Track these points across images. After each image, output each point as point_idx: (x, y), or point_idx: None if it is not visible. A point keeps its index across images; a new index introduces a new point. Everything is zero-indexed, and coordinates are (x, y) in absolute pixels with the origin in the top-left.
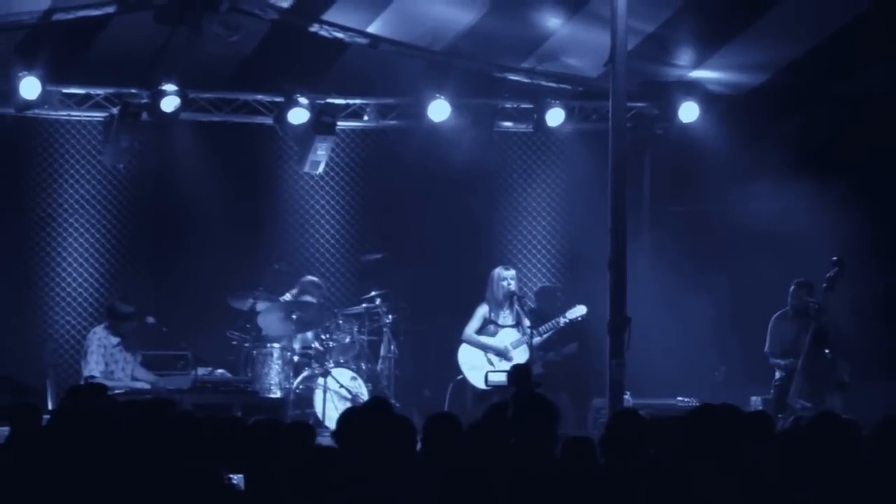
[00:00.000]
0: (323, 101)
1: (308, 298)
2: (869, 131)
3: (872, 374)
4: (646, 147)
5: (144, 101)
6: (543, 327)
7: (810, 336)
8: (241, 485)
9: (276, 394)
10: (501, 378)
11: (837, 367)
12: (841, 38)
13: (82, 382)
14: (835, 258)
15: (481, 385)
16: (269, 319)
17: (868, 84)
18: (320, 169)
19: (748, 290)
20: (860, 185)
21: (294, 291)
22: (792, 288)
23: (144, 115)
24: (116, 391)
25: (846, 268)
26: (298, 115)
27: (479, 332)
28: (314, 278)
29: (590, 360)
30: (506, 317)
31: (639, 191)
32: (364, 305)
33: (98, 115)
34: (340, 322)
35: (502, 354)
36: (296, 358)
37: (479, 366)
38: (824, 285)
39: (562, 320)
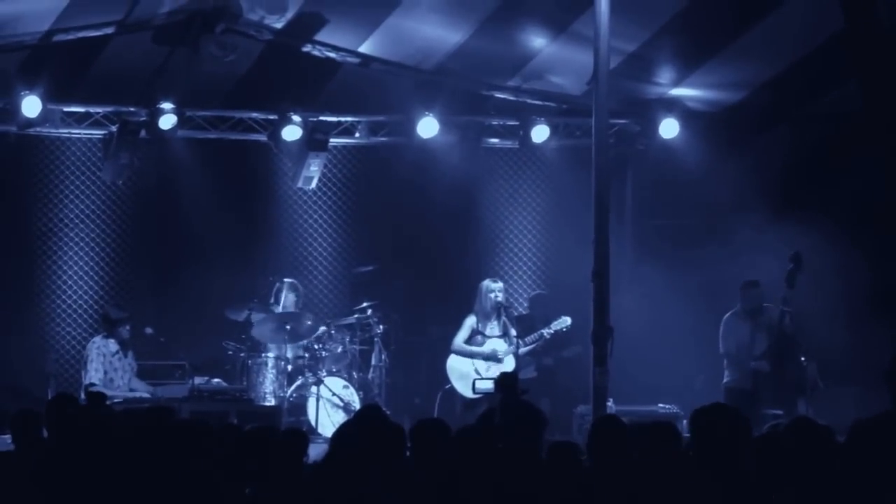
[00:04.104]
0: (316, 119)
1: (289, 299)
2: (844, 148)
3: (844, 378)
4: (628, 162)
5: (143, 118)
6: (529, 338)
7: (775, 339)
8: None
9: (271, 402)
10: (488, 385)
11: (807, 373)
12: (817, 57)
13: (82, 390)
14: (791, 253)
15: (469, 394)
16: (264, 330)
17: (843, 102)
18: (313, 184)
19: (726, 300)
20: (836, 199)
21: (271, 301)
22: (741, 290)
23: (143, 133)
24: (115, 400)
25: (802, 262)
26: (292, 133)
27: (467, 342)
28: (289, 279)
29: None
30: (493, 328)
31: (621, 205)
32: (356, 316)
33: (98, 133)
34: (333, 332)
35: (492, 358)
36: (289, 367)
37: (466, 375)
38: (785, 284)
39: (545, 332)
